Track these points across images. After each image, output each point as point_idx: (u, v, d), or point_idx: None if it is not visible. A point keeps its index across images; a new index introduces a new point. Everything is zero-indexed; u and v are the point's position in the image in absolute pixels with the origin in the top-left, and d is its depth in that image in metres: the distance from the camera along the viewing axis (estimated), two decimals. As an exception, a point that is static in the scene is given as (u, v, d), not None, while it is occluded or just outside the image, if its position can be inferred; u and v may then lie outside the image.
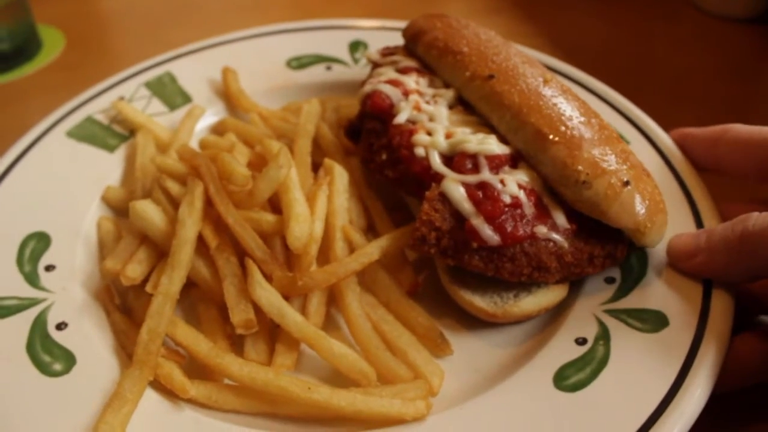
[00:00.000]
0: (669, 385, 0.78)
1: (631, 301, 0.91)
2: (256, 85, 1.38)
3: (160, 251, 0.98)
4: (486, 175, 0.94)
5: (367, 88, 1.11)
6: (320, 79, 1.42)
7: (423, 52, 1.16)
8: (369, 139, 1.08)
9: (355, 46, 1.47)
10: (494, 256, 0.91)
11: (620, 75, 1.36)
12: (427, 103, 1.08)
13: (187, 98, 1.34)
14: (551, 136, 0.94)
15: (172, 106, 1.32)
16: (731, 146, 1.01)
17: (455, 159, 0.98)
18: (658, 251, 0.97)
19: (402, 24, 1.48)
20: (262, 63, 1.42)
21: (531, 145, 0.96)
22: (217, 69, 1.39)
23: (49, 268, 1.00)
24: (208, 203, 0.98)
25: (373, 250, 0.96)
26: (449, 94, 1.08)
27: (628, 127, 1.18)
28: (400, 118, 1.05)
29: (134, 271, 0.95)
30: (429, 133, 1.02)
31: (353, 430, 0.83)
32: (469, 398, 0.83)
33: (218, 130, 1.30)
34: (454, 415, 0.81)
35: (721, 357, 0.81)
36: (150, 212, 0.97)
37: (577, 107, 0.99)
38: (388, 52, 1.24)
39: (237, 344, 0.92)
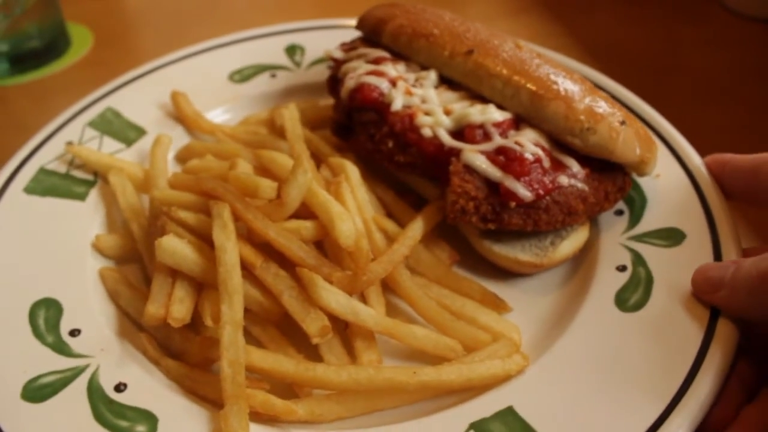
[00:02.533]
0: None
1: (646, 225, 1.03)
2: (204, 104, 1.33)
3: (197, 284, 0.93)
4: (500, 140, 1.01)
5: (351, 83, 1.13)
6: (268, 88, 1.40)
7: (390, 40, 1.19)
8: (367, 131, 1.10)
9: (292, 50, 1.46)
10: (530, 211, 0.97)
11: (647, 75, 1.38)
12: (414, 86, 1.12)
13: (140, 131, 1.26)
14: (547, 95, 1.02)
15: (128, 142, 1.24)
16: None
17: (465, 132, 1.03)
18: (647, 179, 1.10)
19: (334, 22, 1.51)
20: (204, 82, 1.37)
21: (529, 107, 1.03)
22: (159, 95, 1.32)
23: (74, 333, 0.91)
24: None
25: (414, 233, 0.99)
26: (431, 75, 1.13)
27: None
28: (397, 105, 1.07)
29: (179, 311, 0.89)
30: (427, 114, 1.07)
31: (445, 403, 0.85)
32: (552, 344, 0.89)
33: (186, 156, 1.24)
34: (547, 363, 0.86)
35: (740, 246, 0.94)
36: (180, 247, 0.91)
37: (555, 66, 1.09)
38: (348, 47, 1.26)
39: (309, 357, 0.90)
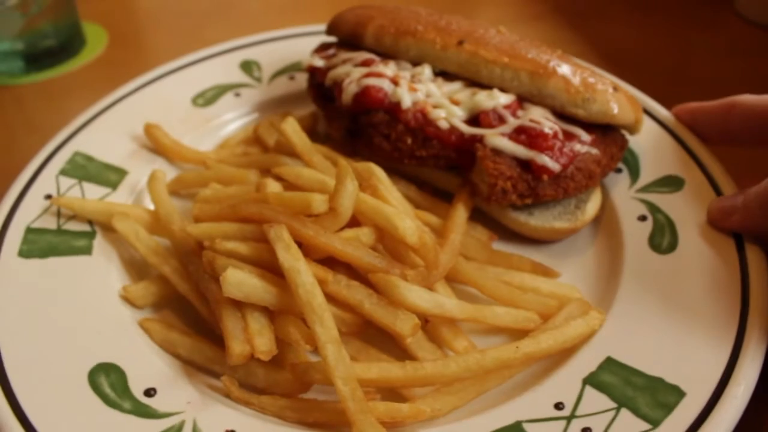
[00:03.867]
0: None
1: (646, 178, 1.14)
2: (174, 133, 1.25)
3: (269, 313, 0.89)
4: (516, 120, 1.07)
5: (352, 87, 1.13)
6: (236, 107, 1.35)
7: (373, 42, 1.20)
8: (381, 132, 1.11)
9: (248, 66, 1.42)
10: (560, 181, 1.05)
11: (660, 82, 1.36)
12: (413, 83, 1.14)
13: (119, 171, 1.17)
14: (546, 73, 1.10)
15: (111, 184, 1.14)
16: (744, 117, 1.01)
17: (480, 118, 1.08)
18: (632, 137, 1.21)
19: (280, 33, 1.49)
20: (168, 110, 1.30)
21: (531, 87, 1.10)
22: (125, 130, 1.23)
23: (149, 392, 0.84)
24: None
25: (460, 220, 1.02)
26: (426, 70, 1.16)
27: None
28: (406, 102, 1.10)
29: (264, 344, 0.86)
30: (436, 107, 1.10)
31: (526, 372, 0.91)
32: (613, 294, 0.96)
33: (177, 188, 1.16)
34: (619, 312, 0.93)
35: (731, 180, 1.08)
36: (246, 278, 0.87)
37: (538, 46, 1.17)
38: (327, 54, 1.25)
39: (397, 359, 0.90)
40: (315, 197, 0.93)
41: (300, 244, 0.92)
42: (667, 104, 1.23)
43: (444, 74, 1.17)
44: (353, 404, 0.79)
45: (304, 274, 0.87)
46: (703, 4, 1.77)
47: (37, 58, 1.56)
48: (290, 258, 0.88)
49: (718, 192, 1.07)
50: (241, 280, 0.87)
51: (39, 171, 1.12)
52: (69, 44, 1.61)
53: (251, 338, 0.86)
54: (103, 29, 1.73)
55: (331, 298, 0.91)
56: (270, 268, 0.91)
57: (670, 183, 1.12)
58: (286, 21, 1.45)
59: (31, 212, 1.05)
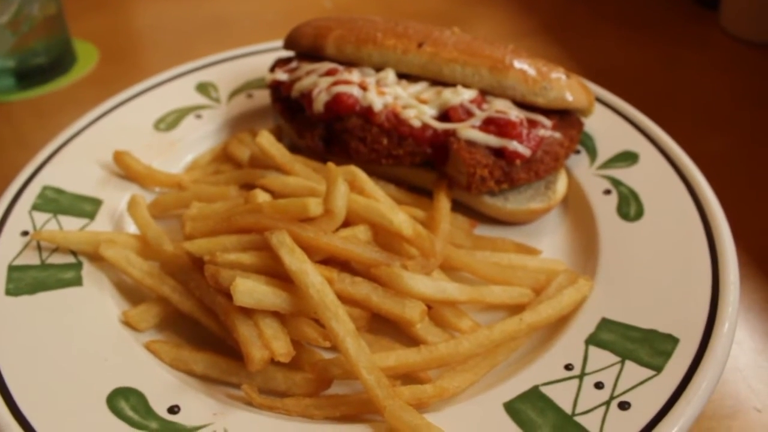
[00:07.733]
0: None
1: (604, 156, 1.23)
2: (142, 159, 1.24)
3: (280, 317, 0.91)
4: (483, 113, 1.13)
5: (323, 96, 1.16)
6: (198, 128, 1.35)
7: (335, 52, 1.24)
8: (356, 136, 1.15)
9: (204, 88, 1.43)
10: (531, 165, 1.12)
11: (647, 99, 1.38)
12: (380, 87, 1.19)
13: (94, 201, 1.15)
14: (504, 67, 1.17)
15: (89, 215, 1.12)
16: None
17: (449, 114, 1.14)
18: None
19: (231, 53, 1.51)
20: (132, 137, 1.29)
21: (492, 81, 1.17)
22: (92, 160, 1.22)
23: (173, 410, 0.83)
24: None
25: (446, 210, 1.08)
26: (390, 74, 1.21)
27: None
28: (378, 106, 1.14)
29: (282, 347, 0.87)
30: (405, 108, 1.15)
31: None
32: (595, 261, 1.03)
33: (157, 212, 1.15)
34: (603, 276, 1.00)
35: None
36: (255, 285, 0.88)
37: (491, 42, 1.24)
38: (290, 68, 1.28)
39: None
40: (311, 201, 0.96)
41: (298, 248, 0.94)
42: (655, 119, 1.26)
43: (407, 77, 1.23)
44: (380, 391, 0.82)
45: (312, 274, 0.89)
46: (689, 22, 1.84)
47: (28, 76, 1.57)
48: (296, 261, 0.90)
49: (670, 161, 1.18)
50: (251, 288, 0.88)
51: (10, 208, 1.09)
52: (60, 62, 1.63)
53: (268, 343, 0.87)
54: (94, 47, 1.75)
55: (336, 296, 0.93)
56: (273, 274, 0.92)
57: (626, 158, 1.21)
58: (276, 36, 1.45)
59: (10, 250, 1.02)
